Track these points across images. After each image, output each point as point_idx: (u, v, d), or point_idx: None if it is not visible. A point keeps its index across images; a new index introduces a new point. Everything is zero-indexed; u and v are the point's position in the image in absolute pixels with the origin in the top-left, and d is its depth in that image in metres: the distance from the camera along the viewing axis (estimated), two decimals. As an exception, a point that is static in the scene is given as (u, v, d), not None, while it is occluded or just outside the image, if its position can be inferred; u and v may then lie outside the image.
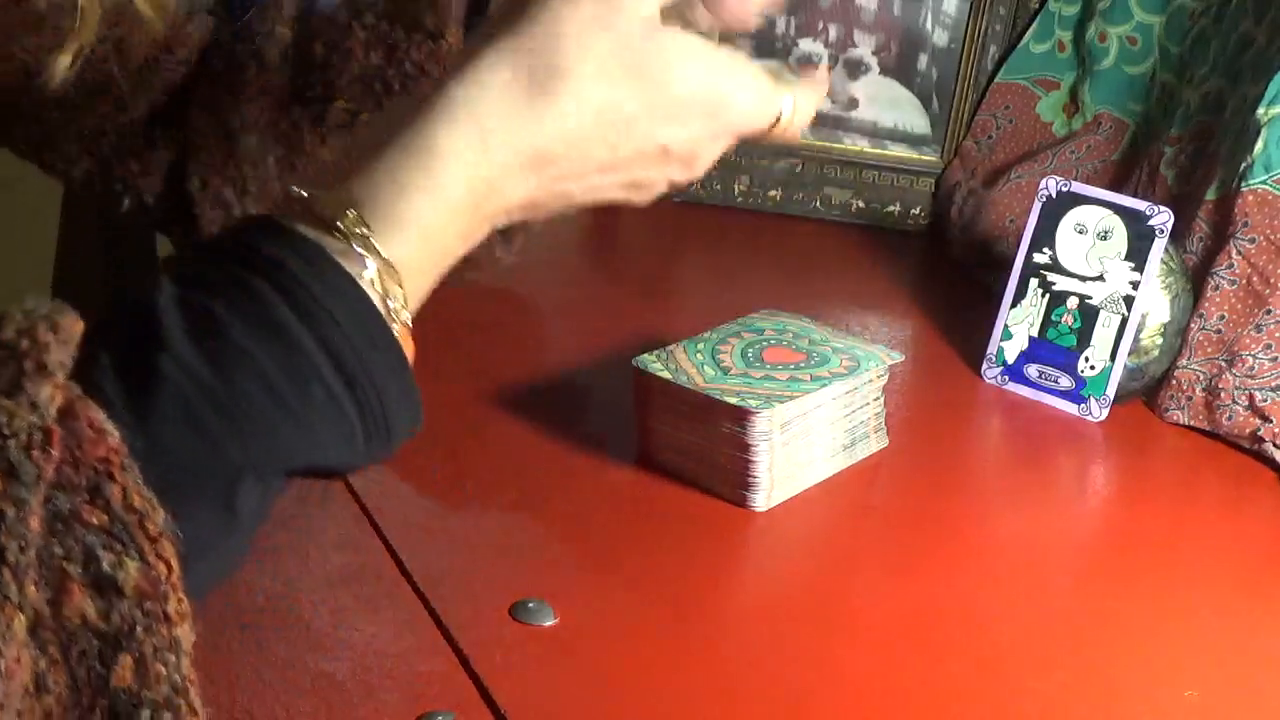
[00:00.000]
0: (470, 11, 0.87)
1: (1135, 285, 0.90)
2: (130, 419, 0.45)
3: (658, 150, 0.59)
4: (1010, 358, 0.94)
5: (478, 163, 0.54)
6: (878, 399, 0.83)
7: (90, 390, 0.45)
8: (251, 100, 0.87)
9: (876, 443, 0.84)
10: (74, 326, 0.45)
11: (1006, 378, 0.94)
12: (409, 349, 0.52)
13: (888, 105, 1.18)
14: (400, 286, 0.52)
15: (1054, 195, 0.92)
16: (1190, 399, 0.91)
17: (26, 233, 1.59)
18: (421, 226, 0.53)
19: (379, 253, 0.52)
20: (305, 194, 0.52)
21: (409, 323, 0.53)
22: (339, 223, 0.51)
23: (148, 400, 0.47)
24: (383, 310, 0.51)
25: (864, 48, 1.17)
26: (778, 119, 0.62)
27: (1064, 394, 0.92)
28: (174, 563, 0.44)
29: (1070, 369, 0.92)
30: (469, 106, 0.54)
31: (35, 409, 0.42)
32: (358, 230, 0.51)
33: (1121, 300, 0.90)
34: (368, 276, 0.51)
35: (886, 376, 0.83)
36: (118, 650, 0.43)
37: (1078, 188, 0.92)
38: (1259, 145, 0.91)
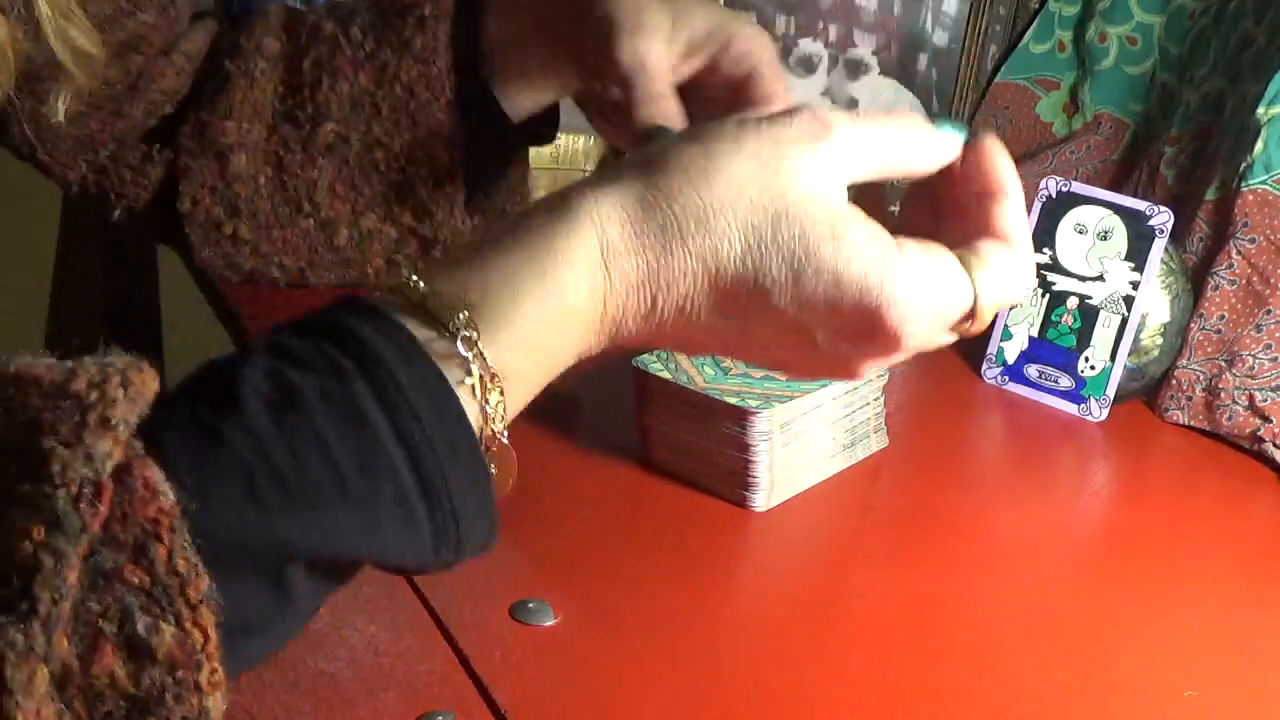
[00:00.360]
0: (458, 38, 0.86)
1: (1135, 285, 0.90)
2: (189, 482, 0.44)
3: (800, 340, 0.53)
4: (1010, 358, 0.94)
5: (596, 278, 0.51)
6: (878, 399, 0.83)
7: (153, 448, 0.44)
8: (242, 119, 0.86)
9: (876, 443, 0.84)
10: (148, 383, 0.44)
11: (1006, 378, 0.94)
12: (507, 459, 0.51)
13: (888, 106, 1.18)
14: (501, 395, 0.50)
15: (1054, 195, 0.92)
16: (1190, 399, 0.91)
17: (26, 233, 1.59)
18: (531, 335, 0.51)
19: (485, 358, 0.50)
20: (420, 285, 0.50)
21: (503, 434, 0.50)
22: (449, 323, 0.49)
23: (209, 465, 0.46)
24: (478, 418, 0.50)
25: (864, 48, 1.17)
26: (969, 314, 0.54)
27: (1064, 394, 0.92)
28: (211, 632, 0.43)
29: (1070, 369, 0.92)
30: (596, 220, 0.51)
31: (90, 462, 0.42)
32: (466, 333, 0.49)
33: (1121, 300, 0.90)
34: (469, 383, 0.49)
35: (886, 376, 0.83)
36: (145, 715, 0.42)
37: (1078, 188, 0.92)
38: (1259, 145, 0.91)
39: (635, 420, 0.81)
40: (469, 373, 0.49)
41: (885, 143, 0.54)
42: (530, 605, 0.66)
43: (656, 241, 0.51)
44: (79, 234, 1.47)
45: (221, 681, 0.44)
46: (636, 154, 0.53)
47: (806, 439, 0.78)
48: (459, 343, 0.49)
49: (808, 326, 0.52)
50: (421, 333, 0.49)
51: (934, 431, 0.90)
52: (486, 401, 0.50)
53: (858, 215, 0.52)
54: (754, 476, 0.76)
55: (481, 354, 0.49)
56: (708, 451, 0.78)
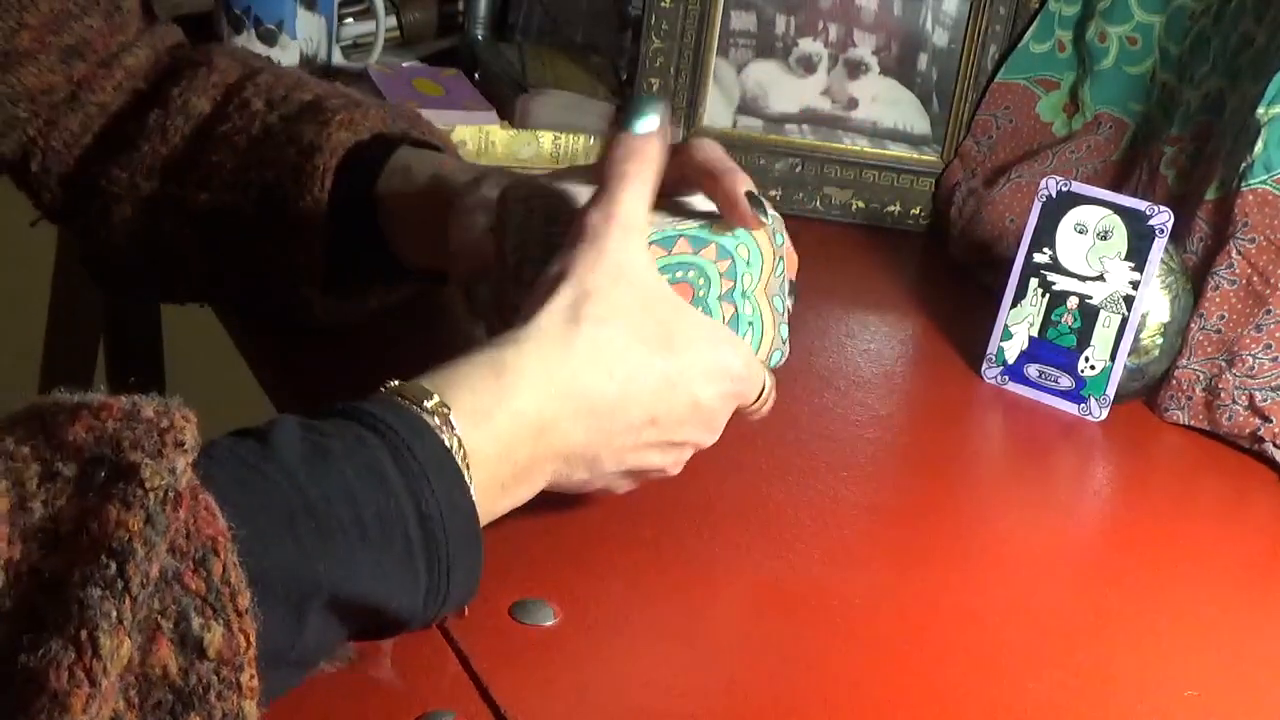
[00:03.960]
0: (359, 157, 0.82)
1: (1135, 285, 0.90)
2: (237, 511, 0.50)
3: (691, 407, 0.65)
4: (1010, 358, 0.94)
5: (542, 391, 0.61)
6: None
7: (205, 479, 0.49)
8: (136, 174, 0.84)
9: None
10: (194, 417, 0.50)
11: (1006, 378, 0.94)
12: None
13: (888, 105, 1.18)
14: (469, 470, 0.58)
15: (1054, 195, 0.92)
16: (1190, 399, 0.91)
17: (26, 233, 1.59)
18: (492, 427, 0.59)
19: (457, 435, 0.58)
20: (394, 383, 0.59)
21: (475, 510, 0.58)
22: (424, 403, 0.58)
23: (255, 497, 0.52)
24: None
25: (864, 48, 1.17)
26: (763, 391, 0.70)
27: (1064, 394, 0.92)
28: (253, 639, 0.48)
29: (1070, 369, 0.92)
30: (537, 349, 0.61)
31: (173, 474, 0.47)
32: (442, 410, 0.58)
33: (1121, 300, 0.90)
34: (454, 450, 0.58)
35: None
36: (189, 709, 0.46)
37: (1078, 188, 0.92)
38: (1259, 145, 0.91)
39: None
40: (452, 443, 0.58)
41: (634, 188, 0.65)
42: (530, 605, 0.66)
43: (585, 370, 0.62)
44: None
45: (258, 689, 0.48)
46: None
47: None
48: (438, 417, 0.58)
49: (697, 398, 0.66)
50: (419, 413, 0.58)
51: (934, 431, 0.90)
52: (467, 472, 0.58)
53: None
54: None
55: (455, 430, 0.58)
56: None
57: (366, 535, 0.54)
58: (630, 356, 0.63)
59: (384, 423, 0.56)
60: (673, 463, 0.68)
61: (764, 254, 0.73)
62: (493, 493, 0.60)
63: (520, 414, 0.60)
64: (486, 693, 0.61)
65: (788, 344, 0.74)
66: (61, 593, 0.44)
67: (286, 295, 0.84)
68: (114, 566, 0.45)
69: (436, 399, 0.58)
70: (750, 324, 0.72)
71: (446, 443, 0.57)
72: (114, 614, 0.44)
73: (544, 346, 0.61)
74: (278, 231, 0.82)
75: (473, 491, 0.58)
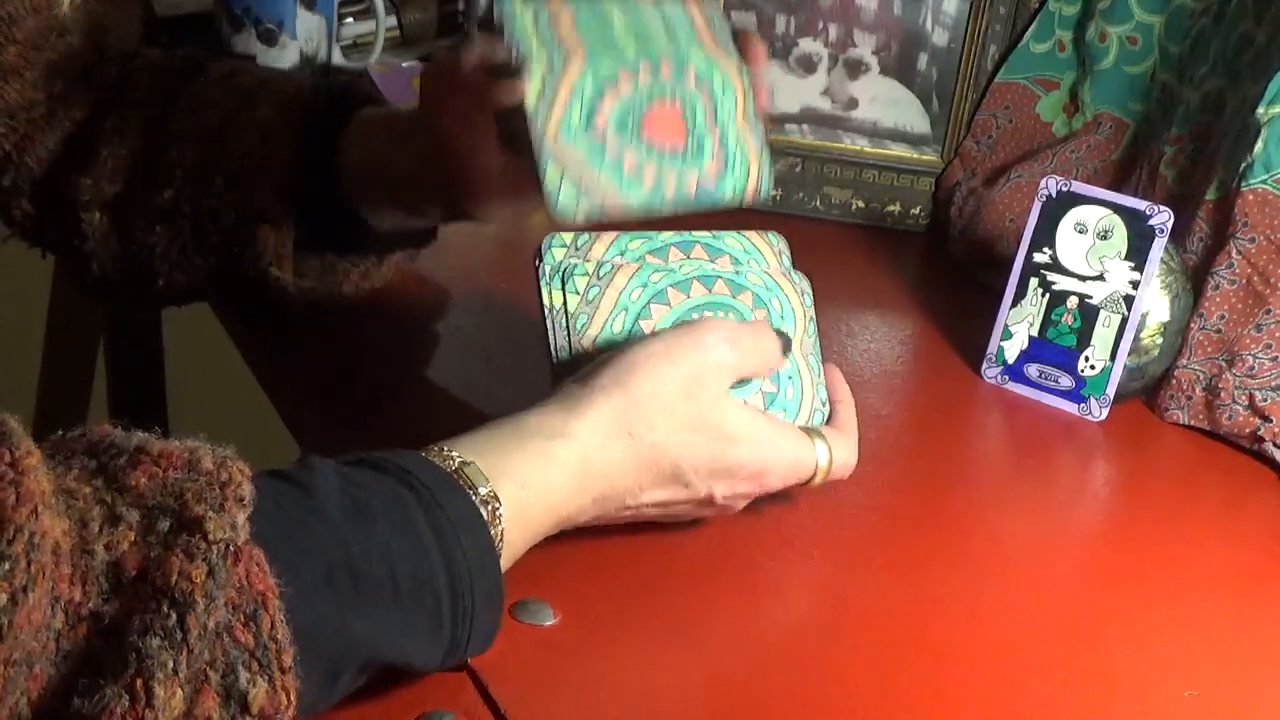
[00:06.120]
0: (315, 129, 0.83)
1: (1135, 285, 0.90)
2: (281, 561, 0.51)
3: (706, 498, 0.68)
4: (1010, 357, 0.94)
5: (577, 490, 0.64)
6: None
7: (253, 531, 0.50)
8: (100, 178, 0.84)
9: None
10: (247, 469, 0.52)
11: (1006, 377, 0.94)
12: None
13: (888, 105, 1.18)
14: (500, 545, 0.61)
15: (1054, 195, 0.92)
16: (1190, 399, 0.91)
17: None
18: (528, 520, 0.63)
19: (502, 529, 0.60)
20: (455, 455, 0.61)
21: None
22: (479, 490, 0.60)
23: (299, 551, 0.52)
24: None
25: (864, 48, 1.17)
26: (815, 471, 0.71)
27: (1064, 394, 0.92)
28: (293, 697, 0.49)
29: (1070, 369, 0.92)
30: (582, 450, 0.64)
31: (234, 529, 0.49)
32: (494, 504, 0.60)
33: (1121, 300, 0.90)
34: (495, 530, 0.60)
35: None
36: None
37: (1078, 187, 0.92)
38: (1259, 145, 0.91)
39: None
40: (495, 520, 0.60)
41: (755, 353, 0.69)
42: (530, 605, 0.66)
43: (618, 453, 0.65)
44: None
45: None
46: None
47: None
48: (478, 484, 0.60)
49: (714, 493, 0.68)
50: (455, 478, 0.60)
51: (934, 431, 0.90)
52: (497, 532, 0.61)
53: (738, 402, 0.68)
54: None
55: (495, 494, 0.60)
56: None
57: (399, 594, 0.55)
58: (663, 468, 0.66)
59: (421, 484, 0.58)
60: (672, 521, 0.71)
61: (796, 313, 0.75)
62: (506, 559, 0.63)
63: (553, 509, 0.64)
64: (486, 693, 0.61)
65: (828, 405, 0.76)
66: (120, 639, 0.45)
67: (259, 280, 0.85)
68: (174, 617, 0.46)
69: (489, 488, 0.60)
70: (790, 379, 0.73)
71: (491, 533, 0.59)
72: (170, 664, 0.45)
73: (589, 450, 0.64)
74: (244, 216, 0.82)
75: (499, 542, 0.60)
